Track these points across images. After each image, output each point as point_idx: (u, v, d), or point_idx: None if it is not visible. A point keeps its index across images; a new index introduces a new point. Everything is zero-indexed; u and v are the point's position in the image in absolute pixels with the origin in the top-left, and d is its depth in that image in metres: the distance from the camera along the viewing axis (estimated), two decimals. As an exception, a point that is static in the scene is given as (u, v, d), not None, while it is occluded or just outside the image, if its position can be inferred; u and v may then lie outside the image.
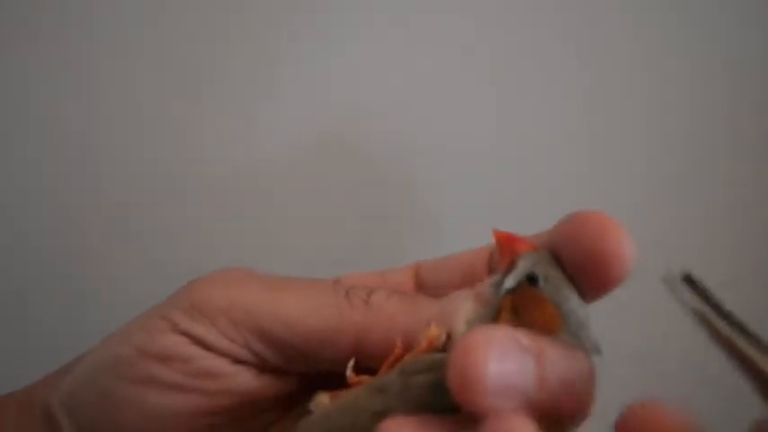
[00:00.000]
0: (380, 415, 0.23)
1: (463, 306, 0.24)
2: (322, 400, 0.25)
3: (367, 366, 0.25)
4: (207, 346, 0.26)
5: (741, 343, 0.21)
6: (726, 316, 0.22)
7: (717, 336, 0.22)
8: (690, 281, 0.22)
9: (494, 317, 0.24)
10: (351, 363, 0.25)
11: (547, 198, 0.49)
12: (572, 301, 0.23)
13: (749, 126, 0.50)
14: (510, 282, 0.23)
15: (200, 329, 0.26)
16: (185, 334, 0.26)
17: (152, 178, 0.48)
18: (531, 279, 0.23)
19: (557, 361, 0.22)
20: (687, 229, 0.51)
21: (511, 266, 0.24)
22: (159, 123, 0.48)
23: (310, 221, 0.49)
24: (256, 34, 0.48)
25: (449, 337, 0.24)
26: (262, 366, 0.26)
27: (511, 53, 0.49)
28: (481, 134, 0.50)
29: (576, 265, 0.23)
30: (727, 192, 0.50)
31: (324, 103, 0.49)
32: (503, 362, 0.20)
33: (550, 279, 0.23)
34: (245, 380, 0.26)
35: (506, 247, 0.24)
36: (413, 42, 0.48)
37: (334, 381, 0.25)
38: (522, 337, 0.21)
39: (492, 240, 0.25)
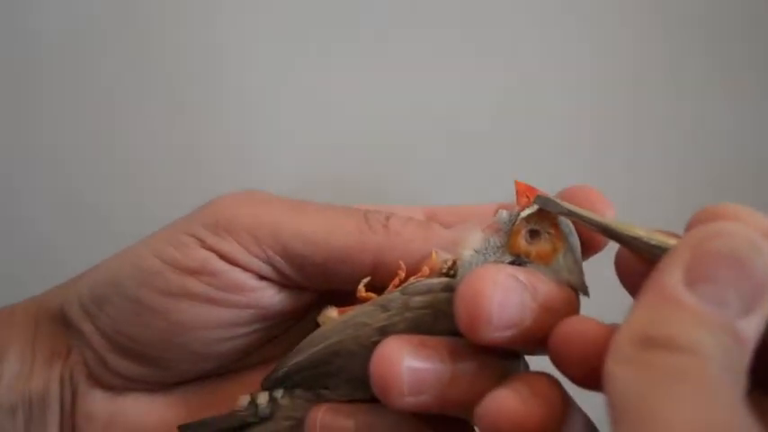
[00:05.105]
0: (382, 330, 0.26)
1: (472, 235, 0.27)
2: (330, 313, 0.27)
3: (380, 286, 0.27)
4: (233, 262, 0.27)
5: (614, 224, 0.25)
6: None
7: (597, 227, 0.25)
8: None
9: (506, 241, 0.26)
10: (365, 280, 0.27)
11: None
12: (575, 239, 0.26)
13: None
14: (528, 211, 0.26)
15: (225, 245, 0.27)
16: (212, 249, 0.27)
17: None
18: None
19: (547, 295, 0.25)
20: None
21: (528, 203, 0.26)
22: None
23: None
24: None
25: (454, 262, 0.26)
26: (283, 283, 0.28)
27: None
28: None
29: None
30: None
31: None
32: (505, 302, 0.23)
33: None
34: (268, 295, 0.28)
35: (525, 192, 0.27)
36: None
37: (348, 298, 0.27)
38: (520, 273, 0.24)
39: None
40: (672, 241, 0.23)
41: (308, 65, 0.49)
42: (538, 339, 0.24)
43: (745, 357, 0.20)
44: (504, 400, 0.23)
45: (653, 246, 0.24)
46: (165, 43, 0.49)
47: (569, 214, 0.26)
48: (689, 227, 0.23)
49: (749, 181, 0.51)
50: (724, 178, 0.51)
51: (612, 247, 0.26)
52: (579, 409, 0.24)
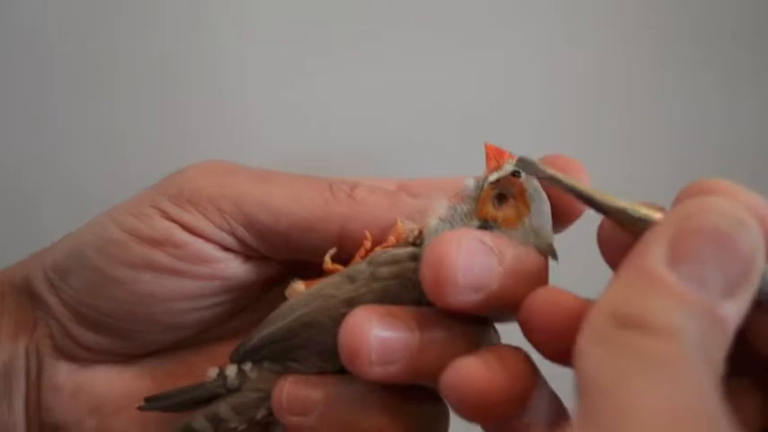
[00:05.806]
0: (349, 301, 0.25)
1: (438, 203, 0.26)
2: (297, 287, 0.27)
3: (346, 256, 0.26)
4: (196, 233, 0.27)
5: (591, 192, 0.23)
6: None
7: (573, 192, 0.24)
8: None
9: (474, 208, 0.25)
10: (331, 251, 0.26)
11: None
12: (544, 204, 0.25)
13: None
14: (495, 175, 0.25)
15: (188, 217, 0.27)
16: (175, 220, 0.27)
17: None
18: (515, 174, 0.25)
19: (514, 257, 0.24)
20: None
21: (497, 167, 0.26)
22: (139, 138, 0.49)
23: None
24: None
25: (420, 231, 0.26)
26: (248, 254, 0.28)
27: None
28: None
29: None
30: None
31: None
32: (470, 264, 0.23)
33: (530, 178, 0.26)
34: (233, 266, 0.28)
35: (494, 156, 0.26)
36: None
37: (314, 269, 0.27)
38: (486, 237, 0.24)
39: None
40: (656, 215, 0.22)
41: (305, 59, 0.49)
42: (506, 304, 0.23)
43: (724, 342, 0.19)
44: (469, 368, 0.22)
45: (637, 219, 0.22)
46: (165, 43, 0.49)
47: (551, 180, 0.24)
48: (677, 200, 0.22)
49: (746, 167, 0.51)
50: (720, 166, 0.50)
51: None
52: (547, 385, 0.24)
